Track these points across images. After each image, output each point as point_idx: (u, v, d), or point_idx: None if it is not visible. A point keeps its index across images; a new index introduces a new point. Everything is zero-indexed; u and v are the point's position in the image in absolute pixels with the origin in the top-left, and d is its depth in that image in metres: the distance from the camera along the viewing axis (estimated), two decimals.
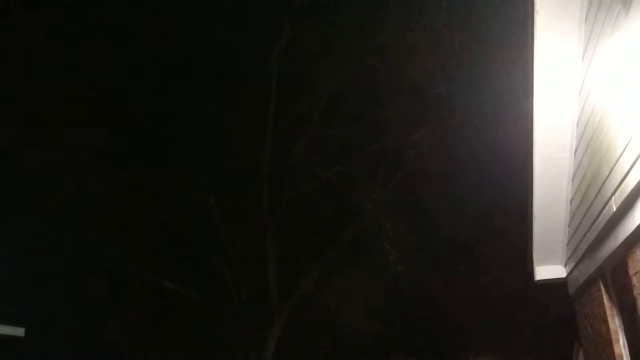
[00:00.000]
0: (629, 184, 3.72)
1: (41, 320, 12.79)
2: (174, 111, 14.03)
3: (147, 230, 14.83)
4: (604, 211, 4.45)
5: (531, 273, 6.99)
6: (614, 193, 4.11)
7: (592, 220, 4.91)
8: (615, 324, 5.19)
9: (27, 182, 13.35)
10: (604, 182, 4.36)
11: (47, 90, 13.08)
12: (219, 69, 14.08)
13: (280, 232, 14.85)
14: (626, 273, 4.37)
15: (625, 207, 3.97)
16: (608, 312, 5.27)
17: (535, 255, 6.79)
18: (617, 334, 5.15)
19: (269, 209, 14.87)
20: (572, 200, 5.90)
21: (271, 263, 14.75)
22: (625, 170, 3.76)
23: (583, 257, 5.66)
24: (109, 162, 13.87)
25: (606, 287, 5.33)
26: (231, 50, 13.94)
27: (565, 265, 6.81)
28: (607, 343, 5.26)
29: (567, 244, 6.43)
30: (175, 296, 14.78)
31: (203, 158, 14.41)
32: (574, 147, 5.54)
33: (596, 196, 4.69)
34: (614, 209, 4.13)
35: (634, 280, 4.17)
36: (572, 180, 5.78)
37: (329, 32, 13.79)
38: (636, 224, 3.79)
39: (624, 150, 3.78)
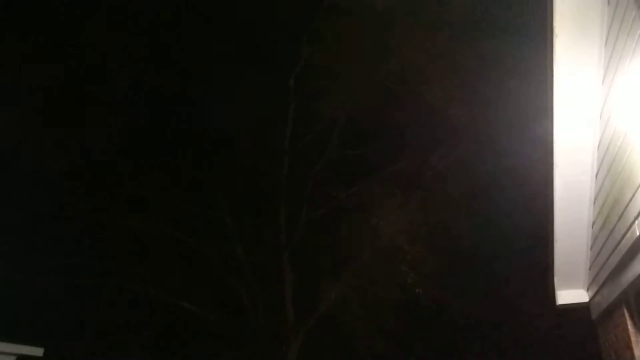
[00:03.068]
0: None
1: (60, 340, 12.85)
2: (192, 133, 14.19)
3: (165, 251, 14.89)
4: (627, 235, 4.38)
5: (552, 297, 6.88)
6: (637, 217, 4.05)
7: (615, 244, 4.84)
8: None
9: (47, 201, 13.55)
10: (627, 206, 4.30)
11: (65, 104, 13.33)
12: (238, 90, 14.22)
13: (298, 253, 14.83)
14: None
15: None
16: (632, 338, 5.16)
17: (557, 280, 6.69)
18: None
19: (286, 230, 14.87)
20: (594, 223, 5.82)
21: (288, 284, 14.71)
22: None
23: (606, 281, 5.57)
24: (129, 182, 14.02)
25: (630, 312, 5.22)
26: (250, 72, 14.10)
27: (588, 290, 6.69)
28: None
29: (589, 268, 6.33)
30: (193, 317, 14.77)
31: (221, 179, 14.51)
32: (595, 170, 5.49)
33: (619, 220, 4.62)
34: (638, 234, 4.07)
35: None
36: (594, 204, 5.71)
37: (346, 54, 13.90)
38: None
39: None
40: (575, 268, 6.49)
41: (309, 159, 14.78)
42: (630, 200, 4.19)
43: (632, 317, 5.21)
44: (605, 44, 4.68)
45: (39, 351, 8.78)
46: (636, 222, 4.09)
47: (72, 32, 13.32)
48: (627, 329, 5.24)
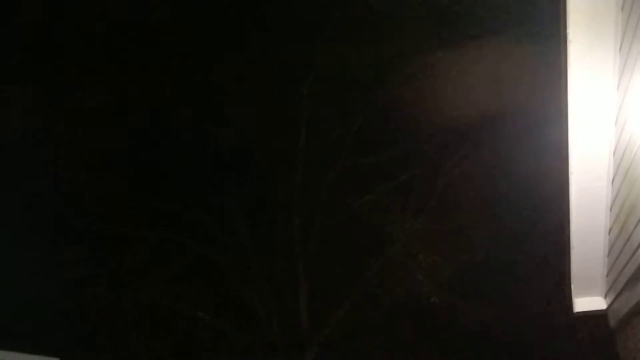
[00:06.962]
0: None
1: (76, 351, 12.94)
2: (205, 142, 14.25)
3: (179, 261, 14.93)
4: None
5: (570, 305, 6.83)
6: None
7: (633, 251, 4.79)
8: None
9: (62, 213, 13.67)
10: None
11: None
12: (250, 99, 14.28)
13: (311, 262, 14.80)
14: None
15: None
16: None
17: (574, 287, 6.65)
18: None
19: (299, 240, 14.86)
20: (610, 230, 5.77)
21: (302, 293, 14.68)
22: None
23: (624, 288, 5.51)
24: (141, 192, 14.09)
25: None
26: (262, 81, 14.14)
27: (605, 297, 6.63)
28: None
29: (607, 275, 6.27)
30: (207, 327, 14.78)
31: (234, 188, 14.55)
32: (611, 177, 5.44)
33: (636, 227, 4.58)
34: None
35: None
36: (610, 210, 5.66)
37: (359, 61, 13.89)
38: None
39: None
40: (593, 275, 6.44)
41: (322, 167, 14.76)
42: None
43: None
44: (620, 49, 4.65)
45: None
46: None
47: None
48: None
